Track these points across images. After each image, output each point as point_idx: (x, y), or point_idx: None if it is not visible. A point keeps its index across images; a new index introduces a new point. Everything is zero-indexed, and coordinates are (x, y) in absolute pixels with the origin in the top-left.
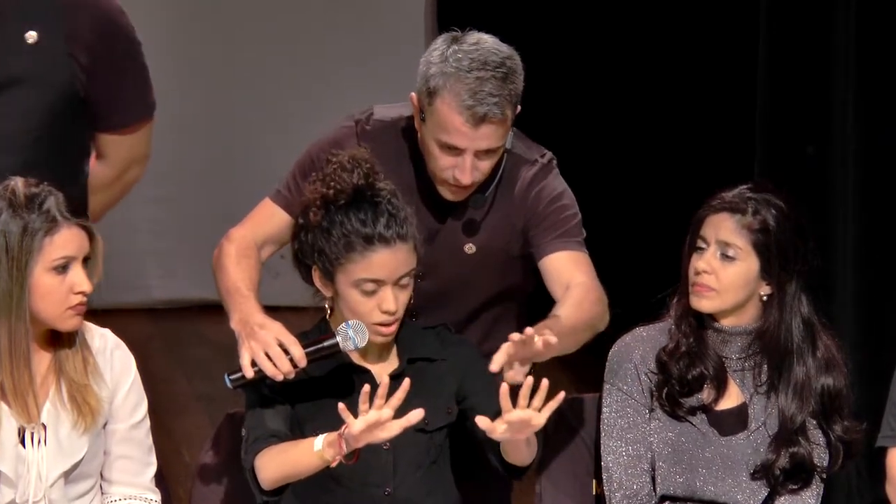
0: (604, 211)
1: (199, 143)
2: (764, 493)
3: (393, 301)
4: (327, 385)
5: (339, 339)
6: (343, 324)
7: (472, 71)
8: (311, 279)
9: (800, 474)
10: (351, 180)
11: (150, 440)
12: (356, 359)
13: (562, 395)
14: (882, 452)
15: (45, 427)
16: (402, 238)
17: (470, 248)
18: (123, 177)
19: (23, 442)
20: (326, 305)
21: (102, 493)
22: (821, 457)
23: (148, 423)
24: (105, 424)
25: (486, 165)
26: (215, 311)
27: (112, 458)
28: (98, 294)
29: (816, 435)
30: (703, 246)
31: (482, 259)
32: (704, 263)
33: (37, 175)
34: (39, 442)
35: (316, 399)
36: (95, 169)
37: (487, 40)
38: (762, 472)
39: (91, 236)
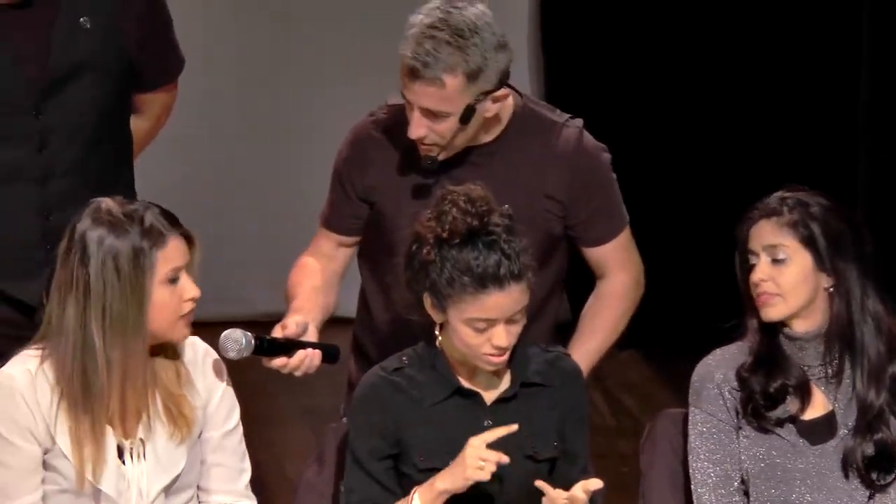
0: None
1: (291, 152)
2: (862, 496)
3: (505, 337)
4: (435, 408)
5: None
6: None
7: (430, 28)
8: (422, 304)
9: (882, 462)
10: (466, 220)
11: (243, 446)
12: (464, 381)
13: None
14: None
15: (143, 442)
16: (515, 277)
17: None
18: (157, 125)
19: (121, 458)
20: (436, 324)
21: (199, 503)
22: None
23: (241, 429)
24: (199, 434)
25: (440, 128)
26: None
27: (207, 467)
28: (202, 305)
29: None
30: (754, 260)
31: None
32: (760, 273)
33: (97, 155)
34: (139, 457)
35: (424, 422)
36: (132, 122)
37: (472, 11)
38: (846, 461)
39: (190, 242)
